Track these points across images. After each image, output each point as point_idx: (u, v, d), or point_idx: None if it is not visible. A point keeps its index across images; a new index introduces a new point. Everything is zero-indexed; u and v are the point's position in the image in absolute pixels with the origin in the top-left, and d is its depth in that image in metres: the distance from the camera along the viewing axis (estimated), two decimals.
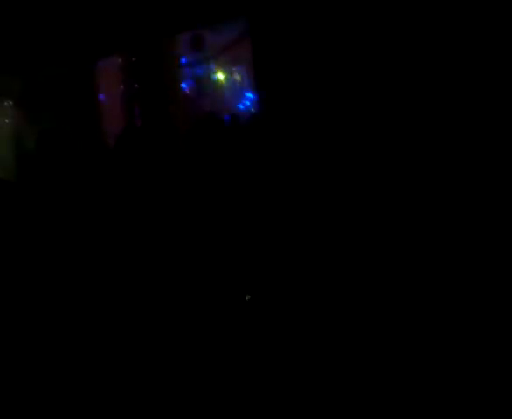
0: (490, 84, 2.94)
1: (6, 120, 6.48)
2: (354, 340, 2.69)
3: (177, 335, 2.81)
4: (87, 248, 3.13)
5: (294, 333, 2.78)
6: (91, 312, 2.90)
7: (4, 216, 3.23)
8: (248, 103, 6.64)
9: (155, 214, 3.28)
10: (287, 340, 2.76)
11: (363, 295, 2.86)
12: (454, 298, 2.65)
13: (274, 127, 3.67)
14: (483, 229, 2.80)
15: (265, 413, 2.51)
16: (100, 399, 2.61)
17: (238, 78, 6.99)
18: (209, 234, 3.14)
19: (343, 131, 3.38)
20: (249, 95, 6.59)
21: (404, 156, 3.13)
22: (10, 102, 6.42)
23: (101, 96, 6.94)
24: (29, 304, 2.90)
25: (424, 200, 3.03)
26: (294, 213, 3.28)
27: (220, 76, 7.20)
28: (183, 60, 7.37)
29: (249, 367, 2.67)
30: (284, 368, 2.63)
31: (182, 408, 2.59)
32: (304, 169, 3.45)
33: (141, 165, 3.88)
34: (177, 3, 5.84)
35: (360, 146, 3.30)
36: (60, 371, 2.69)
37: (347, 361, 2.61)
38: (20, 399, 2.59)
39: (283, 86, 3.74)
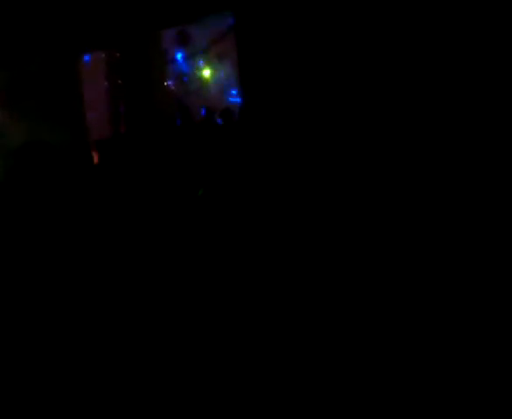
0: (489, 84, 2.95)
1: None
2: (353, 339, 2.68)
3: (175, 333, 2.80)
4: (76, 249, 3.12)
5: (293, 332, 2.77)
6: (80, 313, 2.89)
7: None
8: (234, 98, 6.64)
9: (145, 212, 3.28)
10: (286, 338, 2.75)
11: (362, 294, 2.85)
12: (454, 298, 2.64)
13: (258, 121, 3.67)
14: (483, 228, 2.79)
15: (264, 412, 2.50)
16: (100, 399, 2.60)
17: (224, 72, 6.99)
18: (201, 227, 3.14)
19: (328, 124, 3.39)
20: (234, 91, 6.59)
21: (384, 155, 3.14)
22: None
23: (86, 92, 6.91)
24: (16, 309, 2.89)
25: (422, 198, 3.02)
26: (284, 207, 3.29)
27: (207, 71, 7.18)
28: (169, 56, 7.35)
29: (248, 366, 2.67)
30: (283, 367, 2.63)
31: (182, 407, 2.58)
32: (289, 162, 3.45)
33: (128, 164, 3.88)
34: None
35: (346, 139, 3.31)
36: (56, 371, 2.68)
37: (346, 361, 2.61)
38: (20, 399, 2.58)
39: (267, 81, 3.74)
